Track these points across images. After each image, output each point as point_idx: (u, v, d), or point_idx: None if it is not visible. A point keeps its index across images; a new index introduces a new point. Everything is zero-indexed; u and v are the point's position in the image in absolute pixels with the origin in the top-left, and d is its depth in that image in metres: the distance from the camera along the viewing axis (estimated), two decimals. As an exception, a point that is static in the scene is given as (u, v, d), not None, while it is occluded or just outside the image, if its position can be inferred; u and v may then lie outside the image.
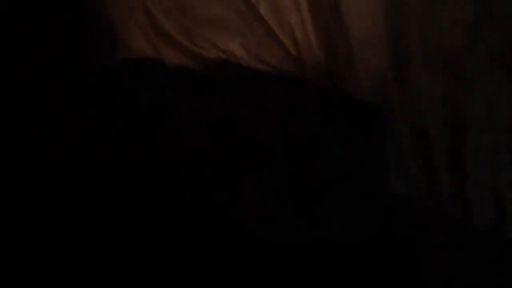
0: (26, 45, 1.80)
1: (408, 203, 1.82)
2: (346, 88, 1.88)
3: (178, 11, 1.80)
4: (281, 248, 1.68)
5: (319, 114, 1.87)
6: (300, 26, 1.85)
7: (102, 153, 1.73)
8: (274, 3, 1.84)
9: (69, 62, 1.80)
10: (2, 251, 1.63)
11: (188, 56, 1.82)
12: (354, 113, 1.87)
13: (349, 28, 1.82)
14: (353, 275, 1.66)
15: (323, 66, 1.89)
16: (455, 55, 1.81)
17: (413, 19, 1.81)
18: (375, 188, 1.80)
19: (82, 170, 1.71)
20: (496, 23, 1.78)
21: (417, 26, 1.82)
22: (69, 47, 1.79)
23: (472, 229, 1.76)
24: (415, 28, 1.82)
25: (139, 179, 1.73)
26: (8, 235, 1.66)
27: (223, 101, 1.83)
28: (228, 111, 1.81)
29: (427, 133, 1.86)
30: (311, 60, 1.88)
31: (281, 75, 1.88)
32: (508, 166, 1.80)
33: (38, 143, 1.73)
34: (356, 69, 1.86)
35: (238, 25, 1.82)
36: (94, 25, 1.80)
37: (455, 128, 1.85)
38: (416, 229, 1.76)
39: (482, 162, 1.82)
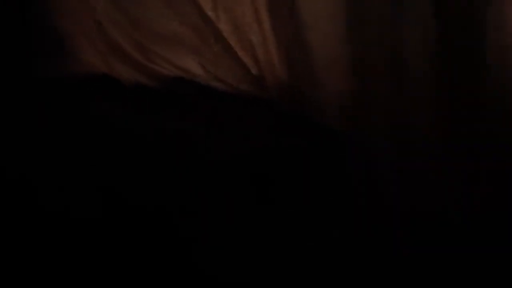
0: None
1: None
2: (307, 110, 1.80)
3: (130, 25, 1.71)
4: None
5: (277, 136, 1.79)
6: (262, 44, 1.76)
7: (48, 171, 1.68)
8: (234, 19, 1.74)
9: (17, 73, 1.73)
10: None
11: (141, 72, 1.74)
12: (314, 135, 1.79)
13: (311, 48, 1.72)
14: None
15: (284, 86, 1.80)
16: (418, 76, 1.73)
17: (376, 40, 1.71)
18: (332, 217, 1.74)
19: (25, 191, 1.65)
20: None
21: (380, 46, 1.72)
22: (18, 58, 1.72)
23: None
24: (378, 49, 1.73)
25: (87, 199, 1.68)
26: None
27: (177, 119, 1.76)
28: (182, 129, 1.74)
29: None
30: (272, 79, 1.79)
31: (240, 95, 1.80)
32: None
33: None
34: (317, 90, 1.77)
35: (194, 42, 1.73)
36: (44, 37, 1.72)
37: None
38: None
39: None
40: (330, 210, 1.76)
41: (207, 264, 1.65)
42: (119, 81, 1.74)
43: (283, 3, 1.69)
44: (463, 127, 1.74)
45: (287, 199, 1.72)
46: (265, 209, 1.71)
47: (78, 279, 1.62)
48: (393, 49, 1.70)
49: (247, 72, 1.76)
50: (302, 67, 1.75)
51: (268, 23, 1.73)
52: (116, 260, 1.67)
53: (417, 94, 1.73)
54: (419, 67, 1.70)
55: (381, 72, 1.71)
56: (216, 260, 1.65)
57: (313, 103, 1.77)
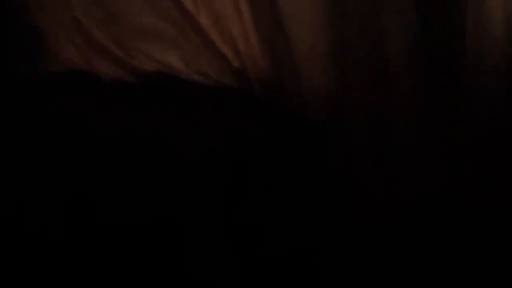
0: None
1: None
2: (290, 101, 1.79)
3: (110, 21, 1.69)
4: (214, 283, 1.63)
5: (260, 128, 1.78)
6: (243, 36, 1.74)
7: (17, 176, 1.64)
8: (214, 12, 1.72)
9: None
10: None
11: (122, 68, 1.72)
12: (296, 127, 1.78)
13: (292, 39, 1.71)
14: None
15: (267, 78, 1.79)
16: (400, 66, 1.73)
17: (357, 30, 1.71)
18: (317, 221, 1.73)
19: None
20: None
21: (361, 37, 1.72)
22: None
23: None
24: (360, 39, 1.72)
25: (57, 205, 1.64)
26: None
27: (157, 114, 1.73)
28: (161, 125, 1.72)
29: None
30: (255, 72, 1.78)
31: (222, 88, 1.78)
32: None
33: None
34: (300, 82, 1.76)
35: (174, 36, 1.71)
36: (24, 36, 1.69)
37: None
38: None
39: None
40: (314, 204, 1.75)
41: (193, 266, 1.64)
42: (99, 77, 1.71)
43: (263, -6, 1.68)
44: (444, 118, 1.74)
45: (269, 193, 1.71)
46: (247, 205, 1.70)
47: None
48: (375, 40, 1.70)
49: (229, 65, 1.75)
50: (284, 58, 1.74)
51: (248, 15, 1.71)
52: (91, 270, 1.64)
53: (399, 84, 1.73)
54: (400, 57, 1.70)
55: (363, 62, 1.71)
56: (202, 262, 1.64)
57: (296, 94, 1.77)
